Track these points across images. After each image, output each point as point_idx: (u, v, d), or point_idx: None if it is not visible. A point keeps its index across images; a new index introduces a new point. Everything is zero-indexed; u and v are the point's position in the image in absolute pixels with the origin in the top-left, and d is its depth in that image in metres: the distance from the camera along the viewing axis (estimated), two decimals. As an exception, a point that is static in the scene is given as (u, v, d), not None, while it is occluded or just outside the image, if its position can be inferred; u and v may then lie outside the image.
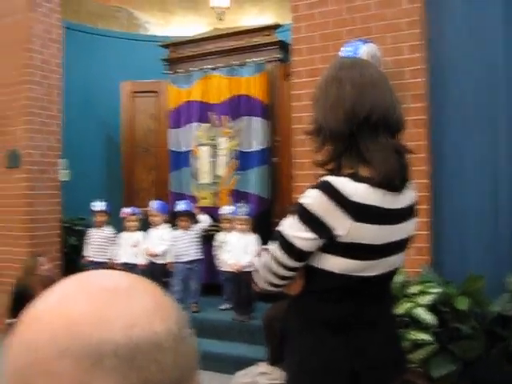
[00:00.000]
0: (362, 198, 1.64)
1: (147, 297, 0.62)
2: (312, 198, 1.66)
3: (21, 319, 0.61)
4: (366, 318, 1.79)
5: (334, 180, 1.65)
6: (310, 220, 1.66)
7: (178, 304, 0.66)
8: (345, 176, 1.68)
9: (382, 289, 1.86)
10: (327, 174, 1.73)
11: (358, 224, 1.65)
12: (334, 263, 1.70)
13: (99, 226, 6.62)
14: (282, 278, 1.77)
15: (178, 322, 0.63)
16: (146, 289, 0.64)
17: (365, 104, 1.71)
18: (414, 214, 1.85)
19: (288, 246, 1.70)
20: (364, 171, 1.70)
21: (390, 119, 1.75)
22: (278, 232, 1.75)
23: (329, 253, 1.70)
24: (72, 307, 0.58)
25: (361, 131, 1.71)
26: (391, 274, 1.84)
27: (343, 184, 1.64)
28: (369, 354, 1.76)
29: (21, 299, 5.58)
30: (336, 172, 1.75)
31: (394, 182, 1.71)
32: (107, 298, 0.59)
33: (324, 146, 1.78)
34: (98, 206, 6.60)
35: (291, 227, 1.70)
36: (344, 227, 1.64)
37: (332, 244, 1.67)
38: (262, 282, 1.81)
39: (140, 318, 0.59)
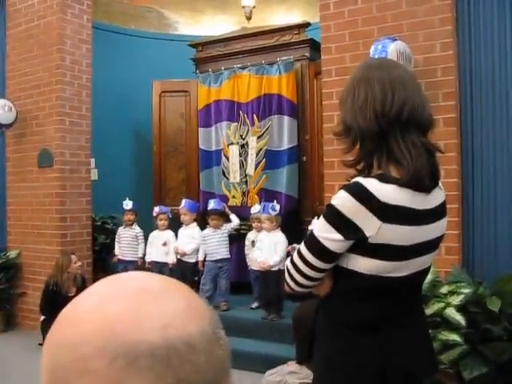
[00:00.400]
0: (390, 199, 1.64)
1: (181, 298, 0.63)
2: (341, 200, 1.67)
3: (58, 319, 0.63)
4: (395, 318, 1.78)
5: (363, 181, 1.66)
6: (340, 221, 1.66)
7: (209, 305, 0.67)
8: (374, 177, 1.68)
9: (412, 289, 1.85)
10: (357, 175, 1.73)
11: (387, 225, 1.64)
12: (364, 264, 1.70)
13: (128, 224, 6.70)
14: (311, 278, 1.78)
15: (211, 323, 0.63)
16: (179, 290, 0.65)
17: (394, 103, 1.71)
18: (443, 214, 1.84)
19: (317, 247, 1.71)
20: (393, 171, 1.70)
21: (420, 117, 1.74)
22: (310, 232, 1.76)
23: (358, 254, 1.70)
24: (108, 308, 0.59)
25: (391, 130, 1.71)
26: (422, 273, 1.83)
27: (372, 185, 1.64)
28: (399, 354, 1.75)
29: (52, 296, 5.68)
30: (365, 172, 1.76)
31: (423, 181, 1.70)
32: (142, 299, 0.60)
33: (354, 146, 1.78)
34: (127, 204, 6.68)
35: (320, 228, 1.71)
36: (373, 228, 1.64)
37: (361, 245, 1.67)
38: (292, 282, 1.81)
39: (174, 319, 0.59)
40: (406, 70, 1.89)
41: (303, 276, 1.77)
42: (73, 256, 5.94)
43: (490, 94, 4.42)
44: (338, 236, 1.67)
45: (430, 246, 1.79)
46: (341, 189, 1.69)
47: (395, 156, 1.70)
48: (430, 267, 1.88)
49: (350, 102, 1.78)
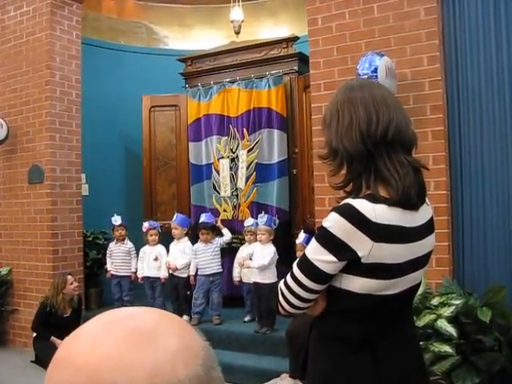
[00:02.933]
0: (381, 219, 1.66)
1: (173, 338, 0.63)
2: (332, 222, 1.68)
3: (54, 359, 0.63)
4: (388, 333, 1.80)
5: (353, 202, 1.67)
6: (332, 243, 1.68)
7: (206, 342, 0.67)
8: (363, 197, 1.70)
9: (404, 305, 1.87)
10: (346, 197, 1.76)
11: (379, 244, 1.66)
12: (357, 284, 1.71)
13: (120, 239, 6.71)
14: (305, 300, 1.78)
15: (204, 364, 0.63)
16: (172, 329, 0.64)
17: (380, 123, 1.72)
18: (432, 230, 1.87)
19: (310, 269, 1.72)
20: (382, 191, 1.72)
21: (404, 136, 1.77)
22: (303, 255, 1.77)
23: (351, 274, 1.71)
24: (99, 352, 0.60)
25: (377, 150, 1.73)
26: (413, 289, 1.85)
27: (362, 206, 1.66)
28: (393, 370, 1.77)
29: (47, 317, 5.64)
30: (354, 193, 1.77)
31: (411, 199, 1.72)
32: (132, 343, 0.60)
33: (340, 168, 1.80)
34: (116, 220, 6.70)
35: (313, 250, 1.72)
36: (365, 249, 1.65)
37: (354, 265, 1.68)
38: (286, 304, 1.82)
39: (164, 364, 0.59)
40: (387, 88, 1.91)
41: (297, 298, 1.77)
42: (69, 277, 5.87)
43: (477, 107, 4.47)
44: (331, 258, 1.68)
45: (420, 263, 1.81)
46: (331, 211, 1.71)
47: (383, 176, 1.72)
48: (420, 282, 1.90)
49: (334, 125, 1.79)
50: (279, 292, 1.83)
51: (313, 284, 1.74)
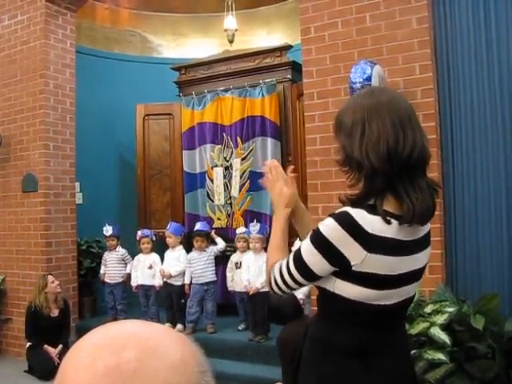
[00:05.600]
0: (378, 231, 1.66)
1: (171, 352, 0.64)
2: (328, 228, 1.68)
3: (58, 373, 0.65)
4: (382, 342, 1.81)
5: (351, 211, 1.67)
6: (325, 248, 1.69)
7: (200, 351, 0.67)
8: (363, 207, 1.69)
9: (398, 316, 1.88)
10: (348, 202, 1.76)
11: (373, 255, 1.66)
12: (349, 290, 1.72)
13: (112, 249, 6.74)
14: (292, 288, 1.85)
15: (197, 381, 0.64)
16: (157, 365, 0.63)
17: (406, 143, 1.68)
18: (428, 244, 1.86)
19: (302, 266, 1.76)
20: (391, 207, 1.71)
21: (425, 157, 1.74)
22: (298, 250, 1.79)
23: (343, 279, 1.72)
24: (95, 369, 0.62)
25: (400, 170, 1.69)
26: (407, 302, 1.86)
27: (360, 216, 1.66)
28: (386, 378, 1.78)
29: (34, 318, 5.67)
30: (356, 202, 1.74)
31: (425, 220, 1.74)
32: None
33: (360, 181, 1.75)
34: (107, 230, 6.73)
35: (306, 250, 1.74)
36: (358, 258, 1.66)
37: (347, 272, 1.69)
38: (275, 286, 1.87)
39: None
40: (406, 100, 1.86)
41: (286, 286, 1.83)
42: (49, 276, 5.93)
43: (469, 115, 4.50)
44: (323, 261, 1.70)
45: (415, 276, 1.81)
46: (329, 216, 1.71)
47: (399, 196, 1.70)
48: (414, 296, 1.91)
49: (358, 136, 1.72)
50: (273, 274, 1.87)
51: (303, 280, 1.79)
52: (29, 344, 5.80)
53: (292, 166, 2.18)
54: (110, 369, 0.61)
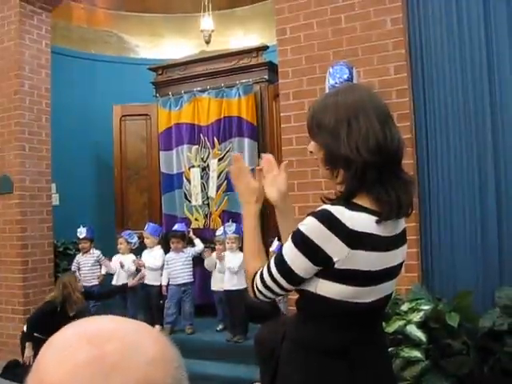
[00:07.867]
0: (359, 226, 1.66)
1: (150, 348, 0.65)
2: (309, 226, 1.68)
3: (33, 366, 0.65)
4: (362, 341, 1.81)
5: (331, 209, 1.67)
6: (307, 247, 1.68)
7: (179, 354, 0.68)
8: (342, 204, 1.70)
9: (376, 314, 1.89)
10: (328, 200, 1.77)
11: (355, 251, 1.67)
12: (331, 289, 1.72)
13: (85, 251, 6.66)
14: (275, 294, 1.81)
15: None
16: (139, 359, 0.64)
17: (393, 137, 1.72)
18: (405, 241, 1.88)
19: (284, 268, 1.73)
20: (368, 202, 1.73)
21: (403, 151, 1.78)
22: (279, 253, 1.78)
23: (325, 279, 1.72)
24: (71, 363, 0.62)
25: (386, 165, 1.71)
26: (385, 300, 1.86)
27: (340, 213, 1.66)
28: (369, 377, 1.79)
29: (51, 317, 5.38)
30: (338, 199, 1.76)
31: (404, 214, 1.76)
32: (89, 373, 0.61)
33: (346, 178, 1.75)
34: (80, 232, 6.65)
35: (288, 252, 1.73)
36: (341, 255, 1.66)
37: (329, 270, 1.69)
38: (258, 292, 1.83)
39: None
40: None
41: (268, 290, 1.79)
42: (77, 274, 5.86)
43: (443, 115, 4.55)
44: (306, 261, 1.68)
45: (393, 272, 1.83)
46: (308, 215, 1.70)
47: (379, 190, 1.71)
48: (392, 294, 1.92)
49: (344, 132, 1.72)
50: (253, 279, 1.83)
51: (286, 284, 1.76)
52: (28, 343, 5.55)
53: (286, 162, 2.06)
54: (92, 360, 0.62)
